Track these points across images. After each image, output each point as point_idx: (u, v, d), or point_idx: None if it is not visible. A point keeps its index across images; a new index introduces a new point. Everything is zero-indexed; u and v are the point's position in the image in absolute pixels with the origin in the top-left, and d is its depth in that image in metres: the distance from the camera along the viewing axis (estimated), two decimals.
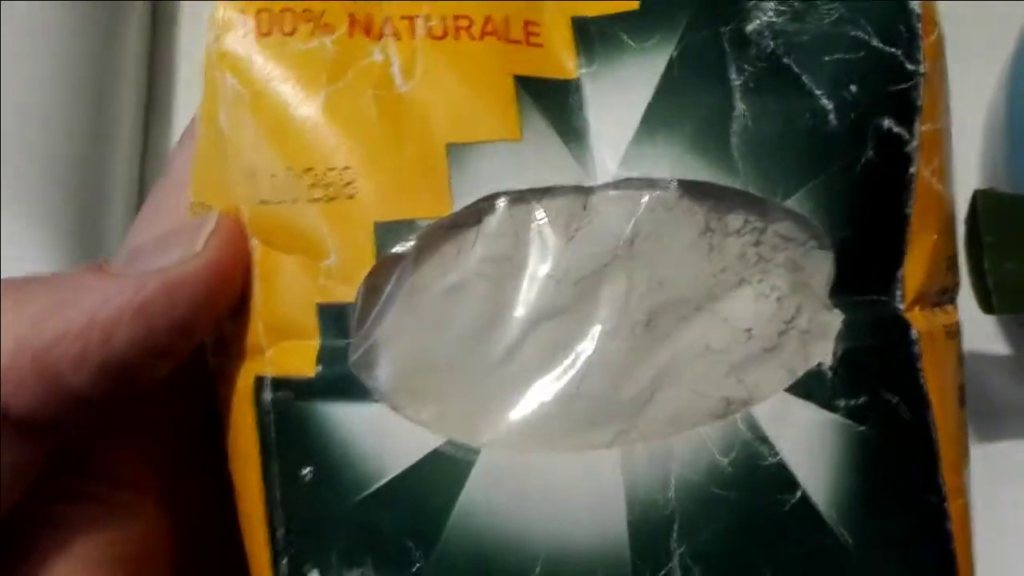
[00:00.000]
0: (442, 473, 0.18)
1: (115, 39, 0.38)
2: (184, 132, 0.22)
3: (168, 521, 0.21)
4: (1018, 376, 0.33)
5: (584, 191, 0.18)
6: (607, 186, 0.18)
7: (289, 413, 0.19)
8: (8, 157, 0.33)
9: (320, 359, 0.18)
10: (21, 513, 0.19)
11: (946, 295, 0.21)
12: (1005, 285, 0.25)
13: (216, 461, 0.21)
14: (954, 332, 0.21)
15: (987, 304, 0.25)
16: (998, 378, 0.33)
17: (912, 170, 0.19)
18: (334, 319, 0.18)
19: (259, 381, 0.19)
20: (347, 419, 0.18)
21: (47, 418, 0.18)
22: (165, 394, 0.21)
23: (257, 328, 0.19)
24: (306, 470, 0.19)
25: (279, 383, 0.19)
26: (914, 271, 0.20)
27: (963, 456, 0.21)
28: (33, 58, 0.35)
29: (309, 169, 0.18)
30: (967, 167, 0.34)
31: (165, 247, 0.19)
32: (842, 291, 0.19)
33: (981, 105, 0.34)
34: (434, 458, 0.18)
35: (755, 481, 0.18)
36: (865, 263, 0.19)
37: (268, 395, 0.19)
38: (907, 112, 0.19)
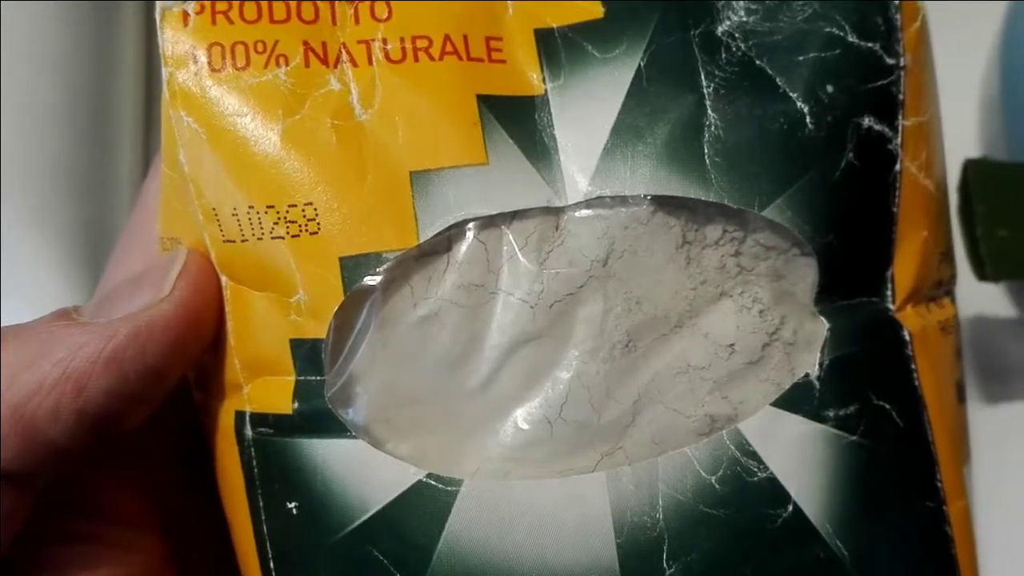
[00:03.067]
0: (426, 505, 0.18)
1: (112, 37, 0.38)
2: (154, 161, 0.21)
3: (165, 551, 0.21)
4: (1020, 338, 0.32)
5: (555, 212, 0.18)
6: (578, 205, 0.18)
7: (269, 449, 0.19)
8: (8, 158, 0.33)
9: (296, 395, 0.18)
10: (15, 558, 0.19)
11: (941, 288, 0.21)
12: (998, 253, 0.25)
13: (208, 488, 0.21)
14: (950, 327, 0.20)
15: (981, 272, 0.24)
16: (1002, 343, 0.32)
17: (897, 167, 0.19)
18: (307, 355, 0.18)
19: (239, 417, 0.19)
20: (327, 454, 0.18)
21: (29, 469, 0.18)
22: (154, 427, 0.20)
23: (234, 365, 0.19)
24: (291, 504, 0.19)
25: (258, 419, 0.19)
26: (904, 269, 0.19)
27: (962, 455, 0.20)
28: (31, 59, 0.35)
29: (271, 206, 0.17)
30: (967, 145, 0.33)
31: (135, 290, 0.19)
32: (829, 296, 0.19)
33: (977, 80, 0.33)
34: (417, 490, 0.18)
35: (745, 497, 0.18)
36: (852, 266, 0.19)
37: (248, 431, 0.19)
38: (888, 108, 0.18)
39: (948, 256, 0.21)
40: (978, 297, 0.31)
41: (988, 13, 0.33)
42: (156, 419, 0.20)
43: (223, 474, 0.20)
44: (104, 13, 0.37)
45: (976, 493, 0.21)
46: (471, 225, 0.18)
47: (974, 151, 0.33)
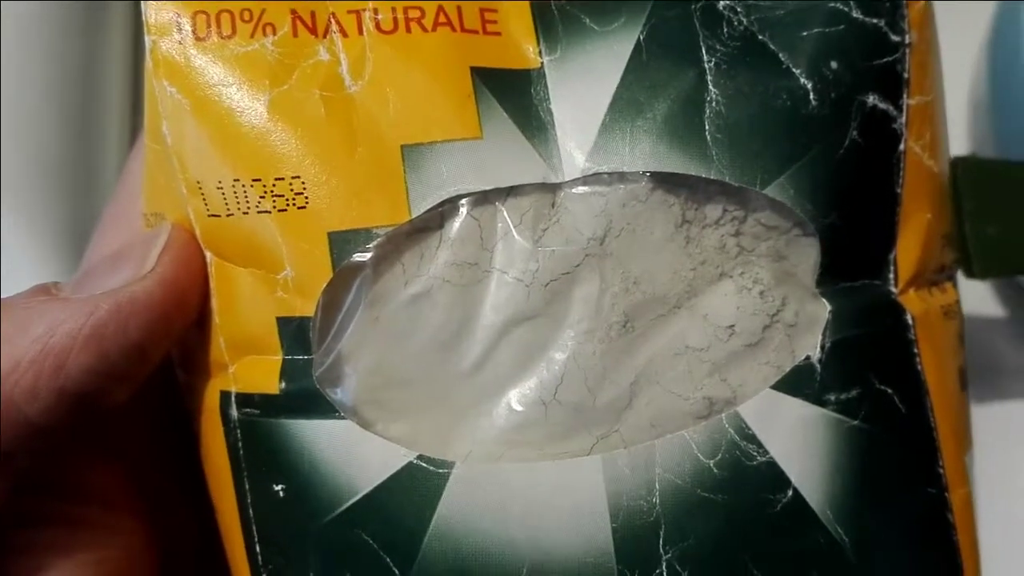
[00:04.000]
0: (416, 487, 0.17)
1: (100, 35, 0.37)
2: (139, 136, 0.21)
3: (147, 533, 0.20)
4: (1015, 337, 0.32)
5: (551, 188, 0.17)
6: (575, 182, 0.17)
7: (255, 430, 0.18)
8: None
9: (283, 375, 0.18)
10: None
11: (943, 273, 0.20)
12: (986, 250, 0.25)
13: (192, 469, 0.20)
14: (953, 312, 0.20)
15: (969, 269, 0.24)
16: (997, 340, 0.32)
17: (901, 147, 0.18)
18: (295, 333, 0.18)
19: (224, 397, 0.19)
20: (315, 436, 0.18)
21: (6, 449, 0.17)
22: (136, 407, 0.20)
23: (219, 343, 0.18)
24: (278, 487, 0.18)
25: (244, 399, 0.18)
26: (907, 252, 0.19)
27: (964, 442, 0.20)
28: (17, 54, 0.34)
29: (257, 179, 0.17)
30: (955, 143, 0.33)
31: (117, 266, 0.18)
32: (830, 278, 0.18)
33: (965, 78, 0.33)
34: (407, 472, 0.17)
35: (743, 482, 0.17)
36: (854, 248, 0.18)
37: (234, 412, 0.18)
38: (893, 86, 0.18)
39: (950, 240, 0.21)
40: (968, 294, 0.31)
41: (976, 12, 0.32)
42: (138, 398, 0.19)
43: (208, 455, 0.19)
44: (92, 11, 0.37)
45: (976, 482, 0.20)
46: (464, 201, 0.17)
47: (962, 149, 0.33)
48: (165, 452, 0.21)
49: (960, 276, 0.23)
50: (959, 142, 0.33)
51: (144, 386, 0.19)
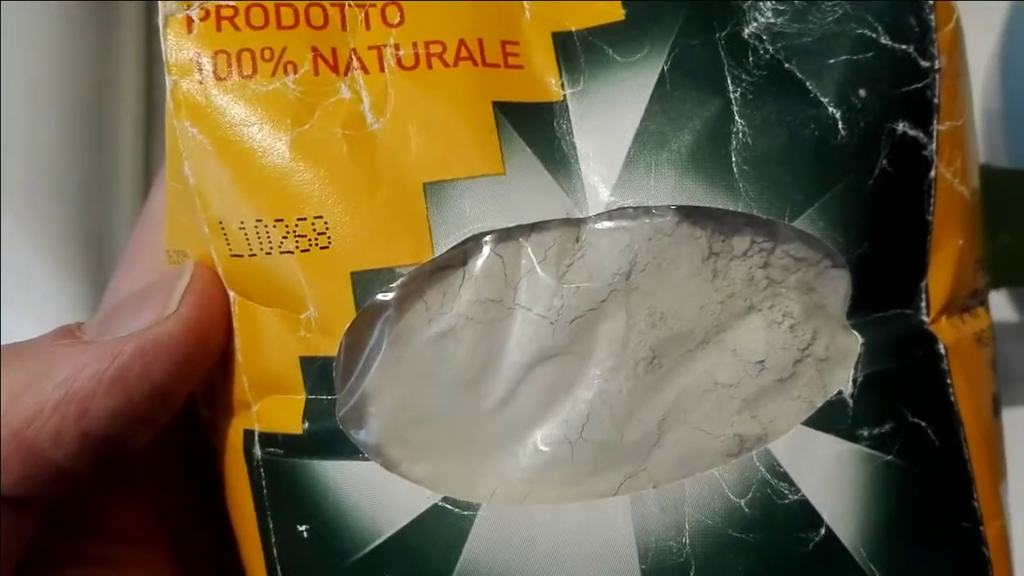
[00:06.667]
0: (442, 530, 0.17)
1: (112, 46, 0.37)
2: (159, 171, 0.21)
3: (172, 571, 0.20)
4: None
5: (575, 223, 0.17)
6: (599, 217, 0.17)
7: (279, 470, 0.18)
8: (7, 169, 0.33)
9: (307, 415, 0.18)
10: None
11: (976, 298, 0.20)
12: (1000, 259, 0.24)
13: (216, 508, 0.20)
14: (986, 338, 0.20)
15: None
16: (1014, 351, 0.31)
17: (932, 174, 0.18)
18: (318, 373, 0.17)
19: (248, 436, 0.18)
20: (339, 476, 0.17)
21: (31, 493, 0.17)
22: (160, 445, 0.20)
23: (242, 382, 0.18)
24: (302, 527, 0.18)
25: (267, 439, 0.18)
26: (939, 280, 0.18)
27: (999, 472, 0.19)
28: (29, 69, 0.34)
29: (279, 220, 0.17)
30: None
31: (140, 306, 0.18)
32: (861, 309, 0.18)
33: (978, 88, 0.32)
34: (432, 514, 0.17)
35: (775, 521, 0.17)
36: (886, 277, 0.18)
37: (257, 451, 0.18)
38: (923, 113, 0.18)
39: (983, 264, 0.20)
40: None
41: (989, 22, 0.32)
42: (162, 436, 0.19)
43: (232, 494, 0.19)
44: (104, 20, 0.37)
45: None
46: (488, 238, 0.17)
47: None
48: (189, 489, 0.21)
49: None
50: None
51: (168, 424, 0.19)
